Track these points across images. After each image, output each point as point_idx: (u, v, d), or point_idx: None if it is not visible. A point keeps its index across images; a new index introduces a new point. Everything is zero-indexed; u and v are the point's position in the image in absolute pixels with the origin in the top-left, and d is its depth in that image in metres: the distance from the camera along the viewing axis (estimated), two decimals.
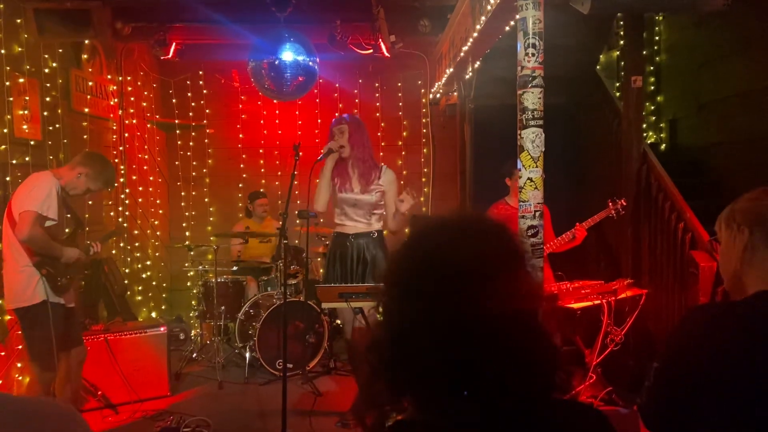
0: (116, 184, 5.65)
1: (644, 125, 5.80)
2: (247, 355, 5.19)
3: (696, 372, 1.25)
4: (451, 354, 0.90)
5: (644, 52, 5.53)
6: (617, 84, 6.55)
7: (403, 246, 1.00)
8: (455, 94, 6.15)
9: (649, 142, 6.29)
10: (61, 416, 1.14)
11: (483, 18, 3.59)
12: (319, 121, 6.90)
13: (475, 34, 3.91)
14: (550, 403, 0.97)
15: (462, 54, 4.49)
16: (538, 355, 0.94)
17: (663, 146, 6.62)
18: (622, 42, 6.47)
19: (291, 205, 3.66)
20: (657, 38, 6.76)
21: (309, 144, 6.53)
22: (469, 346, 0.89)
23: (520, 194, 2.86)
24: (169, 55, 5.86)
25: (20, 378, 4.16)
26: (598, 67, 6.29)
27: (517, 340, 0.91)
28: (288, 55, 4.73)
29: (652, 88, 6.72)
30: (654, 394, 1.35)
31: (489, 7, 3.43)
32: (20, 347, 4.03)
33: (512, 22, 3.57)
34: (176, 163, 6.95)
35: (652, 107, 6.74)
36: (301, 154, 3.73)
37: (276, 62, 4.70)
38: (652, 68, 6.70)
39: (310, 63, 4.85)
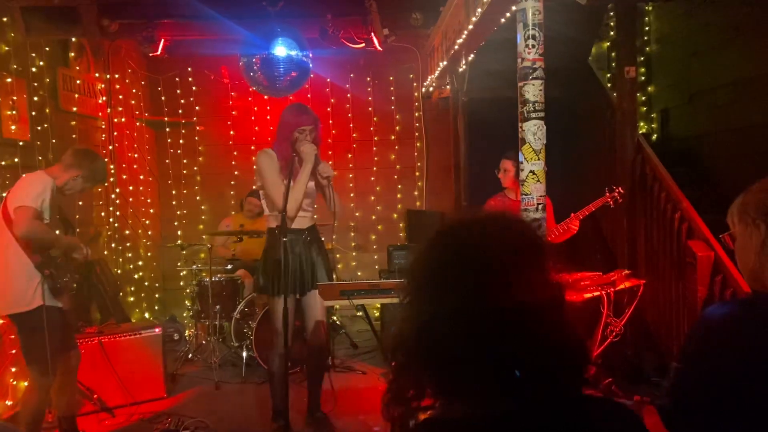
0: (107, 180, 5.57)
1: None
2: (244, 354, 5.14)
3: (720, 372, 1.23)
4: (483, 347, 0.90)
5: (635, 43, 5.53)
6: (608, 75, 6.56)
7: (430, 243, 1.01)
8: (448, 87, 6.13)
9: (640, 132, 6.30)
10: None
11: (479, 10, 3.56)
12: None
13: (471, 27, 3.88)
14: (582, 399, 0.96)
15: (456, 47, 4.46)
16: (569, 347, 0.94)
17: (655, 136, 6.64)
18: (612, 33, 6.47)
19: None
20: (647, 29, 6.77)
21: None
22: (500, 338, 0.90)
23: (522, 187, 2.85)
24: (158, 52, 5.77)
25: (15, 383, 4.10)
26: (589, 58, 6.29)
27: (547, 331, 0.92)
28: (281, 50, 4.67)
29: (643, 78, 6.73)
30: (676, 395, 1.32)
31: None
32: (13, 352, 3.96)
33: (508, 14, 3.54)
34: (166, 161, 6.87)
35: (644, 98, 6.75)
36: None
37: (269, 57, 4.64)
38: (642, 59, 6.71)
39: (303, 58, 4.79)
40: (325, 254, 3.74)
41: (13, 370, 4.07)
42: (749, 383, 1.22)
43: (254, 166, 3.53)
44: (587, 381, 0.97)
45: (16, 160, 4.33)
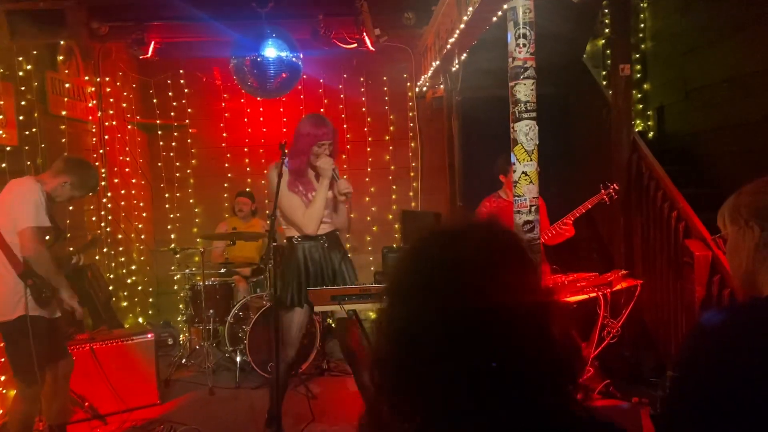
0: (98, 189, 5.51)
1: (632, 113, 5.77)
2: (238, 358, 5.09)
3: (717, 381, 1.18)
4: (461, 356, 0.86)
5: (630, 40, 5.48)
6: (604, 73, 6.51)
7: (408, 252, 0.98)
8: (441, 86, 6.08)
9: (636, 130, 6.26)
10: None
11: (470, 9, 3.51)
12: None
13: (462, 26, 3.83)
14: (565, 415, 0.90)
15: (448, 46, 4.41)
16: (554, 358, 0.89)
17: (651, 134, 6.60)
18: (607, 30, 6.43)
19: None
20: (642, 26, 6.73)
21: None
22: (479, 345, 0.86)
23: (515, 189, 2.79)
24: (148, 55, 5.73)
25: (4, 392, 4.04)
26: (584, 56, 6.24)
27: (529, 340, 0.87)
28: (271, 51, 4.61)
29: (639, 75, 6.69)
30: (672, 405, 1.27)
31: None
32: (2, 360, 3.90)
33: (500, 12, 3.49)
34: (159, 164, 6.81)
35: (639, 95, 6.71)
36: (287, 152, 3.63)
37: (259, 59, 4.59)
38: (637, 56, 6.67)
39: (294, 59, 4.74)
40: (348, 261, 3.73)
41: (2, 378, 4.01)
42: (746, 392, 1.17)
43: (263, 181, 3.52)
44: (572, 398, 0.91)
45: (3, 165, 4.26)
